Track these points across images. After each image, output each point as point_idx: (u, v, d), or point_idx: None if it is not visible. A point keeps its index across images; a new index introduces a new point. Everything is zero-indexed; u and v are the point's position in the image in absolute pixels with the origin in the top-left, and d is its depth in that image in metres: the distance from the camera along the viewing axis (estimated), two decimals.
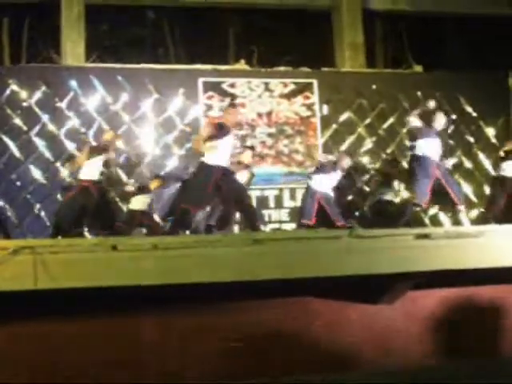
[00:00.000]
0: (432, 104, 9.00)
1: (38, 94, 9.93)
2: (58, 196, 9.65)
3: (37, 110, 9.90)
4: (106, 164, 8.91)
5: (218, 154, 7.55)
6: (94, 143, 9.34)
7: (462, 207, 8.91)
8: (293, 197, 10.61)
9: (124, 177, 10.10)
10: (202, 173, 7.66)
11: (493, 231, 7.33)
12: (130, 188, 9.51)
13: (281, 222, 10.56)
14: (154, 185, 9.38)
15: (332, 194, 9.29)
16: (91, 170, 8.55)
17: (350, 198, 10.79)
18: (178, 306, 6.80)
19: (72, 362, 6.54)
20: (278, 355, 7.04)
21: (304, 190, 9.54)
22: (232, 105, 9.19)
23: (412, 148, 8.90)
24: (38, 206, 9.70)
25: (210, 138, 7.54)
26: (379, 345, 7.41)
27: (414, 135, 8.92)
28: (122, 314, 6.73)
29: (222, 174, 7.58)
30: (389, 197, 10.37)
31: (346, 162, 9.51)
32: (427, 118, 8.87)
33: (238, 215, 8.94)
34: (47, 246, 5.99)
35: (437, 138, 8.79)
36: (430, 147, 8.68)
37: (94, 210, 8.58)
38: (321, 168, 9.40)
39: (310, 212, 9.15)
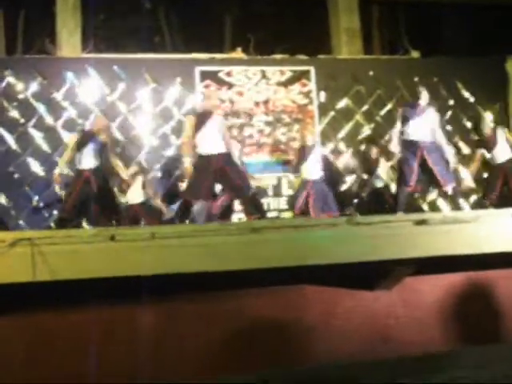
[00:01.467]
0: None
1: (34, 86, 9.89)
2: (57, 188, 9.64)
3: (33, 101, 9.88)
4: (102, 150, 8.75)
5: (210, 142, 7.59)
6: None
7: (448, 188, 8.61)
8: (291, 185, 10.61)
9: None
10: (200, 165, 7.66)
11: (490, 216, 7.34)
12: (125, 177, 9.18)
13: (279, 210, 10.56)
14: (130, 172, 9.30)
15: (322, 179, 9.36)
16: (87, 158, 8.53)
17: (347, 186, 10.77)
18: (177, 295, 6.81)
19: (71, 354, 6.56)
20: (276, 343, 7.07)
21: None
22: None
23: (402, 133, 8.76)
24: (36, 198, 9.70)
25: (195, 130, 7.60)
26: (377, 331, 7.43)
27: (403, 119, 8.76)
28: (122, 305, 6.75)
29: (222, 161, 7.62)
30: (381, 183, 10.31)
31: (309, 139, 9.56)
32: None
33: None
34: (45, 237, 5.98)
35: (425, 115, 8.60)
36: (417, 128, 8.53)
37: (95, 200, 8.55)
38: (301, 156, 9.43)
39: (297, 203, 9.28)
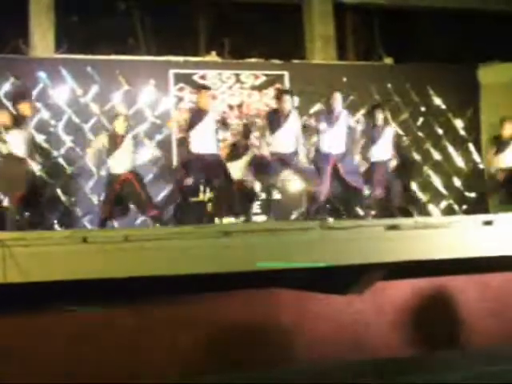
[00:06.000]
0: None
1: (6, 86, 9.81)
2: None
3: (5, 102, 9.77)
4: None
5: (201, 140, 7.78)
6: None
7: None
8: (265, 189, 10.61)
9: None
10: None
11: (461, 221, 7.44)
12: None
13: (253, 214, 10.56)
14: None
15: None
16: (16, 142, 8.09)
17: None
18: (150, 298, 6.80)
19: (43, 357, 6.51)
20: (248, 347, 7.09)
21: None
22: (203, 87, 8.59)
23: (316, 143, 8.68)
24: None
25: (189, 125, 7.78)
26: (349, 335, 7.48)
27: (313, 129, 8.70)
28: (94, 307, 6.71)
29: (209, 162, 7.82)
30: None
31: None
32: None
33: None
34: (17, 239, 5.95)
35: (338, 124, 8.47)
36: (330, 139, 8.43)
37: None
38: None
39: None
